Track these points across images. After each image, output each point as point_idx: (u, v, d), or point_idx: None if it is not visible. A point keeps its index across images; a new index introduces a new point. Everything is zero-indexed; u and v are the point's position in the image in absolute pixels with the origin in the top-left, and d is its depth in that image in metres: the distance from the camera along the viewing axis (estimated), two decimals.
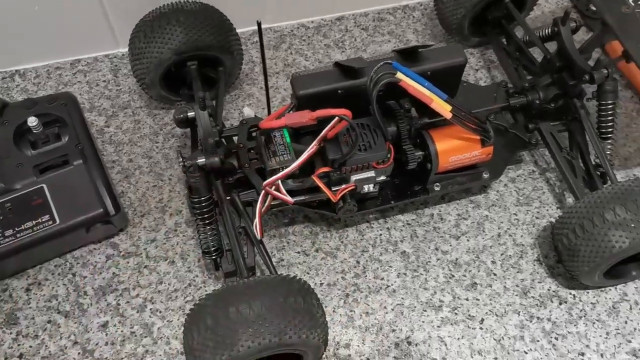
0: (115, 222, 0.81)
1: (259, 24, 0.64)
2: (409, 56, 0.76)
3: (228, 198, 0.76)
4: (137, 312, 0.79)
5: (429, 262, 0.84)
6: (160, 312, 0.79)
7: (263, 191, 0.71)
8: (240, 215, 0.76)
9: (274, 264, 0.83)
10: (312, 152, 0.70)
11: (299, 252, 0.84)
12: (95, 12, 0.96)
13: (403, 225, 0.87)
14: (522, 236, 0.86)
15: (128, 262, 0.83)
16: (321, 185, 0.72)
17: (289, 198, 0.72)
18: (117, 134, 0.94)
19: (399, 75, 0.70)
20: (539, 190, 0.91)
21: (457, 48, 0.79)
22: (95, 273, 0.82)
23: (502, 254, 0.85)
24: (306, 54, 1.05)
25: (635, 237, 0.70)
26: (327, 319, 0.77)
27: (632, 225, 0.70)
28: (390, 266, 0.83)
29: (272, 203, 0.75)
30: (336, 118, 0.68)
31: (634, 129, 0.97)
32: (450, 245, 0.85)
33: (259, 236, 0.72)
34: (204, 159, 0.71)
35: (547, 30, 0.89)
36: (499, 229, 0.87)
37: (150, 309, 0.79)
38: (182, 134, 0.95)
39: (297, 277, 0.67)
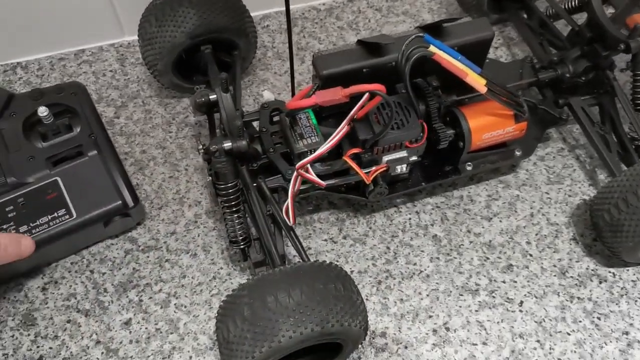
0: (134, 215, 0.77)
1: None
2: (433, 32, 0.73)
3: (255, 185, 0.72)
4: (161, 307, 0.75)
5: (462, 245, 0.81)
6: (185, 307, 0.75)
7: (295, 174, 0.67)
8: (267, 202, 0.72)
9: None
10: (344, 132, 0.66)
11: (326, 240, 0.81)
12: None
13: (432, 209, 0.84)
14: (555, 215, 0.83)
15: (148, 257, 0.79)
16: (355, 166, 0.69)
17: (321, 181, 0.68)
18: (127, 125, 0.90)
19: (432, 48, 0.67)
20: (570, 168, 0.88)
21: (484, 22, 0.76)
22: (115, 269, 0.78)
23: (536, 234, 0.82)
24: (319, 37, 1.01)
25: None
26: None
27: None
28: (422, 251, 0.80)
29: (300, 188, 0.72)
30: (366, 95, 0.65)
31: None
32: (483, 227, 0.82)
33: (291, 222, 0.68)
34: (230, 143, 0.67)
35: (573, 2, 0.86)
36: (531, 208, 0.84)
37: (175, 304, 0.75)
38: (195, 122, 0.91)
39: (333, 264, 0.64)
